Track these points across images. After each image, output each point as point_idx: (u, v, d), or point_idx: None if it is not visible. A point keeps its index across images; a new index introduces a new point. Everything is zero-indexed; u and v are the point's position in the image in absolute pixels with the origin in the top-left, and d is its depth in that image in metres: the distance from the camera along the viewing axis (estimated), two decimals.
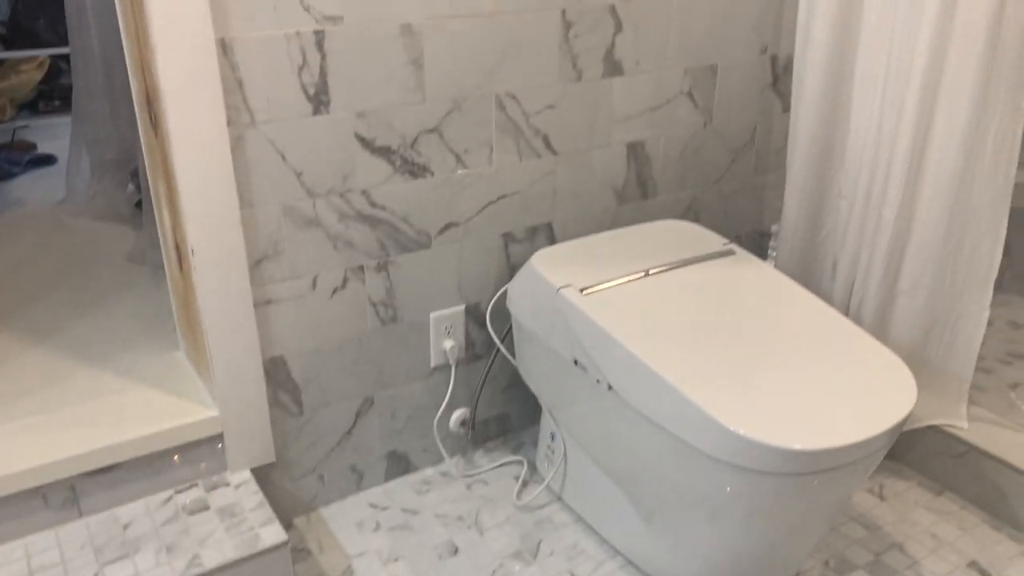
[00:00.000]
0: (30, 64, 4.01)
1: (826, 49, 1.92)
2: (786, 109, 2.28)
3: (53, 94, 4.10)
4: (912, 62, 1.73)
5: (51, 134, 3.82)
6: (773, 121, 2.31)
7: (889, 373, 1.48)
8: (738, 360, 1.49)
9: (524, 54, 1.83)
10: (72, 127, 2.80)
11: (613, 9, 1.91)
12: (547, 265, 1.77)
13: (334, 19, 1.59)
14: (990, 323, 1.85)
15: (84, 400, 1.73)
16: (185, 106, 1.48)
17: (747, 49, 2.16)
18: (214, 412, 1.69)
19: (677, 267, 1.77)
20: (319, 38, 1.59)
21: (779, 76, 2.25)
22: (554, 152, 1.96)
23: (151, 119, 1.62)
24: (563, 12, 1.84)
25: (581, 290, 1.66)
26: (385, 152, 1.74)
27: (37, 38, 3.95)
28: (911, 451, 2.03)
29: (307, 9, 1.56)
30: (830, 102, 1.95)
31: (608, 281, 1.70)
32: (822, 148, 2.00)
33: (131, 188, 2.89)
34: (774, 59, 2.22)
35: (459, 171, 1.84)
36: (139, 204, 2.83)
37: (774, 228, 2.26)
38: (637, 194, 2.15)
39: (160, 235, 1.80)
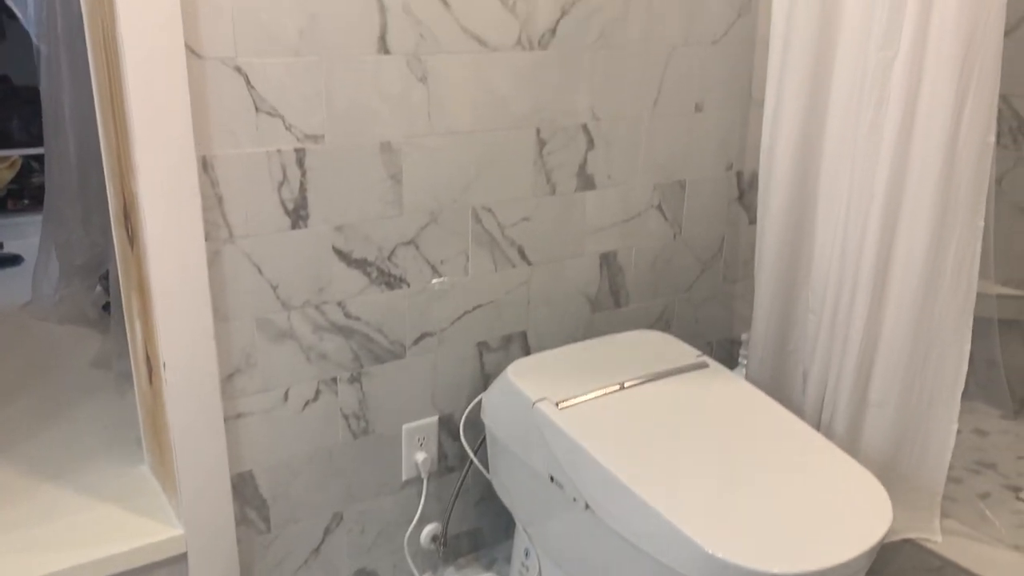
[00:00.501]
0: (2, 164, 4.02)
1: (790, 170, 1.99)
2: (752, 221, 2.35)
3: (23, 193, 4.09)
4: (873, 185, 1.80)
5: (19, 233, 3.79)
6: (740, 233, 2.37)
7: (864, 492, 1.48)
8: (715, 479, 1.48)
9: (500, 169, 1.87)
10: (42, 229, 2.79)
11: (585, 128, 1.97)
12: (522, 377, 1.77)
13: (315, 138, 1.63)
14: (957, 431, 1.87)
15: (43, 521, 1.67)
16: (164, 222, 1.49)
17: (714, 165, 2.23)
18: (179, 531, 1.64)
19: (652, 380, 1.78)
20: (300, 155, 1.62)
21: (745, 191, 2.32)
22: (529, 262, 1.99)
23: (128, 232, 1.62)
24: (538, 131, 1.90)
25: (557, 404, 1.66)
26: (362, 264, 1.75)
27: (10, 138, 3.96)
28: (888, 566, 2.01)
29: (289, 128, 1.59)
30: (795, 220, 2.01)
31: (584, 394, 1.70)
32: (788, 263, 2.05)
33: (99, 289, 2.86)
34: (739, 175, 2.30)
35: (435, 281, 1.85)
36: (106, 306, 2.80)
37: (744, 337, 2.29)
38: (610, 303, 2.17)
39: (130, 347, 1.78)
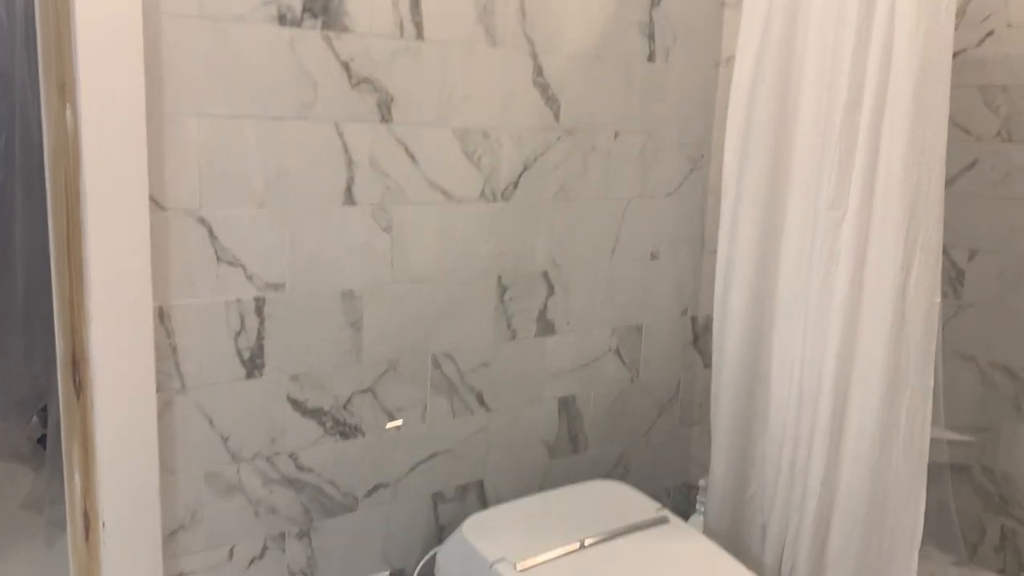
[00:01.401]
0: None
1: (743, 318, 2.03)
2: (707, 365, 2.37)
3: None
4: (826, 339, 1.84)
5: None
6: (696, 377, 2.39)
7: None
8: None
9: (461, 316, 1.87)
10: None
11: (546, 275, 1.99)
12: (479, 534, 1.71)
13: (276, 287, 1.61)
14: None
15: None
16: (115, 373, 1.44)
17: (669, 310, 2.27)
18: None
19: (613, 537, 1.74)
20: (259, 304, 1.60)
21: (699, 334, 2.36)
22: (487, 408, 1.97)
23: (75, 380, 1.56)
24: (499, 278, 1.92)
25: (516, 565, 1.60)
26: (316, 414, 1.71)
27: None
28: None
29: (250, 278, 1.58)
30: (749, 368, 2.03)
31: (544, 553, 1.65)
32: (745, 412, 2.06)
33: (35, 421, 2.74)
34: (694, 319, 2.34)
35: (390, 425, 1.81)
36: (42, 439, 2.67)
37: (702, 482, 2.27)
38: (568, 448, 2.14)
39: (67, 498, 1.68)
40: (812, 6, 1.86)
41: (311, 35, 1.58)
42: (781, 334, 1.97)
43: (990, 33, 2.33)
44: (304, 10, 1.56)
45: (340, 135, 1.64)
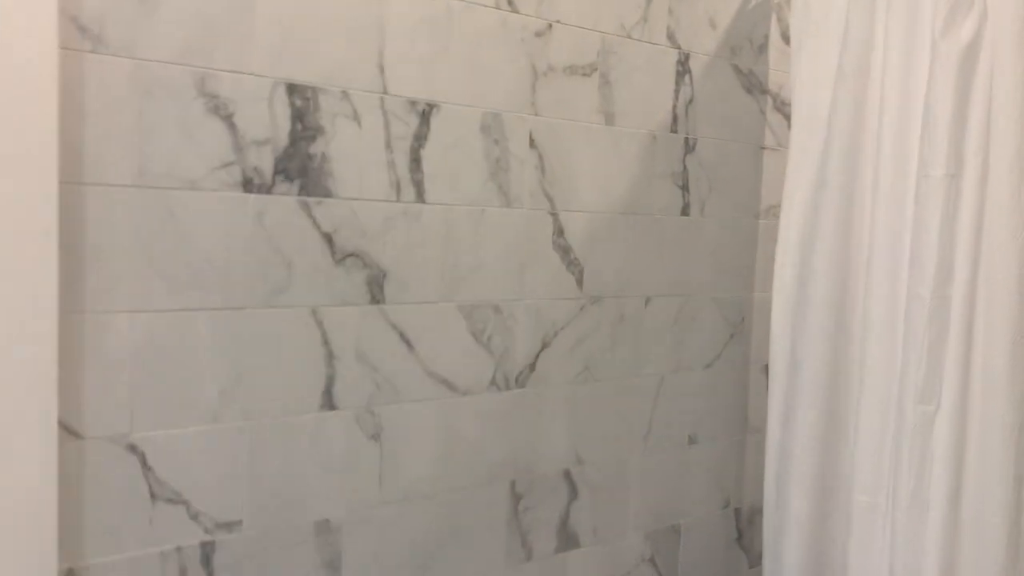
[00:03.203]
0: None
1: (807, 522, 1.67)
2: (753, 565, 1.99)
3: None
4: (921, 561, 1.48)
5: None
6: None
7: None
8: None
9: (466, 537, 1.49)
10: None
11: (567, 474, 1.63)
12: None
13: (230, 526, 1.23)
14: None
15: None
16: None
17: (709, 504, 1.90)
18: None
19: None
20: (207, 551, 1.21)
21: (743, 530, 1.98)
22: None
23: None
24: (512, 484, 1.55)
25: None
26: None
27: None
28: None
29: (195, 517, 1.20)
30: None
31: None
32: None
33: None
34: (737, 511, 1.96)
35: None
36: None
37: None
38: None
39: None
40: (883, 142, 1.57)
41: (285, 203, 1.25)
42: (859, 545, 1.61)
43: None
44: (276, 172, 1.23)
45: (319, 323, 1.29)
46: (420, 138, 1.37)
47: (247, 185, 1.21)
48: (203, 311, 1.19)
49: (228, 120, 1.19)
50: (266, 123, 1.22)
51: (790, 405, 1.74)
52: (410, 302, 1.39)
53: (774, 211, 1.91)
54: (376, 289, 1.35)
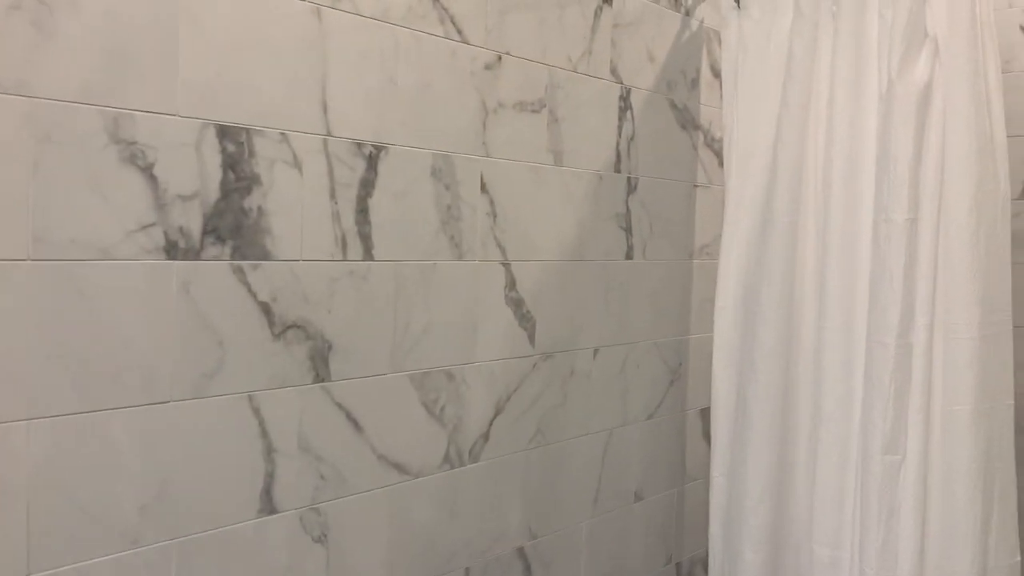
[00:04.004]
0: None
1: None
2: None
3: None
4: None
5: None
6: None
7: None
8: None
9: None
10: None
11: (521, 552, 1.47)
12: None
13: None
14: None
15: None
16: None
17: (654, 560, 1.79)
18: None
19: None
20: None
21: None
22: None
23: None
24: (467, 572, 1.37)
25: None
26: None
27: None
28: None
29: None
30: None
31: None
32: None
33: None
34: (679, 566, 1.87)
35: None
36: None
37: None
38: None
39: None
40: (831, 181, 1.52)
41: (216, 269, 1.02)
42: None
43: None
44: (206, 232, 1.01)
45: (256, 412, 1.07)
46: (367, 185, 1.18)
47: (171, 250, 0.98)
48: (120, 411, 0.95)
49: (147, 172, 0.95)
50: (193, 173, 0.99)
51: (737, 454, 1.67)
52: (357, 376, 1.19)
53: (706, 251, 1.84)
54: (320, 364, 1.14)
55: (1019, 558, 1.45)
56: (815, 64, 1.56)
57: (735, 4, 1.68)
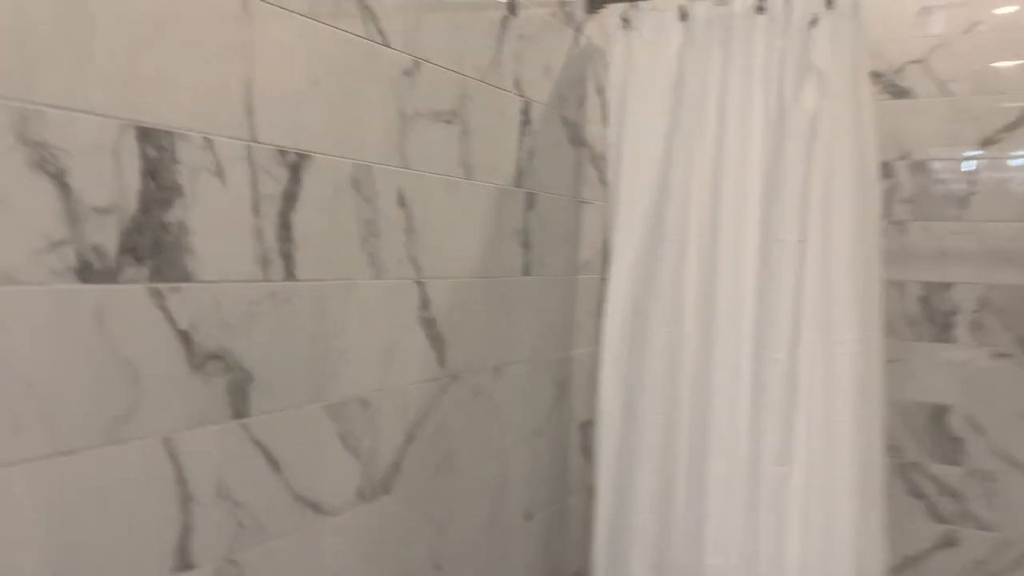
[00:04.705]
0: None
1: None
2: None
3: None
4: None
5: None
6: None
7: None
8: None
9: None
10: None
11: None
12: None
13: None
14: None
15: None
16: None
17: None
18: None
19: None
20: None
21: None
22: None
23: None
24: None
25: None
26: None
27: None
28: None
29: None
30: None
31: None
32: None
33: None
34: None
35: None
36: None
37: None
38: None
39: None
40: (721, 202, 1.57)
41: (133, 294, 0.88)
42: None
43: None
44: (123, 251, 0.86)
45: (173, 456, 0.93)
46: (290, 198, 1.07)
47: (84, 273, 0.83)
48: (20, 465, 0.78)
49: (59, 179, 0.80)
50: (110, 182, 0.84)
51: (625, 469, 1.69)
52: (276, 410, 1.07)
53: (588, 266, 1.85)
54: (239, 399, 1.01)
55: (888, 557, 1.57)
56: (705, 88, 1.61)
57: (622, 24, 1.69)
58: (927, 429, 2.11)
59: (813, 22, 1.50)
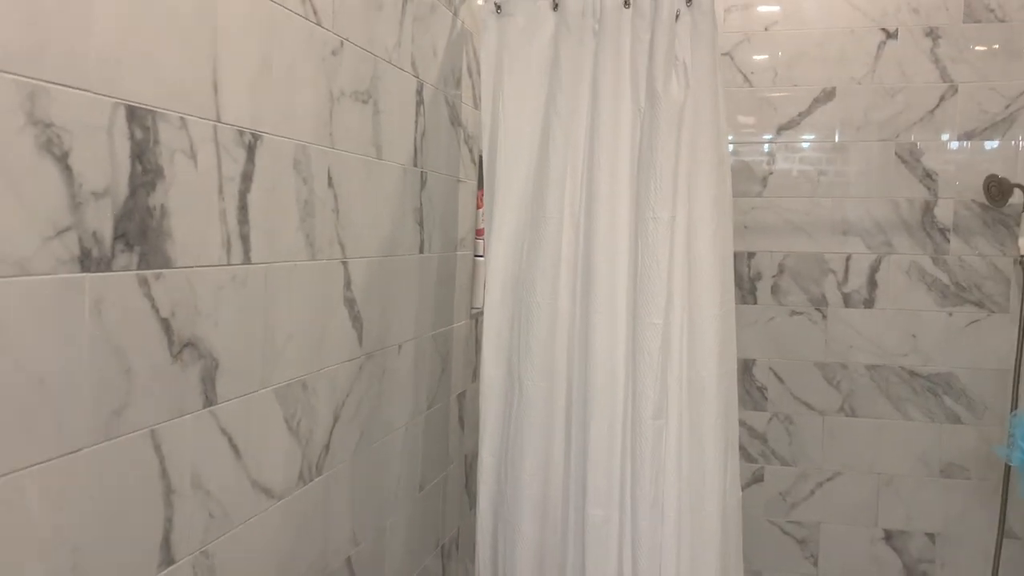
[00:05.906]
0: None
1: (533, 543, 1.75)
2: None
3: None
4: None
5: None
6: None
7: None
8: None
9: None
10: None
11: (349, 562, 1.41)
12: None
13: None
14: None
15: None
16: None
17: (427, 550, 1.83)
18: None
19: None
20: None
21: (447, 566, 1.96)
22: None
23: None
24: None
25: None
26: None
27: None
28: None
29: None
30: None
31: None
32: None
33: None
34: (443, 549, 1.94)
35: None
36: None
37: None
38: None
39: None
40: (597, 181, 1.70)
41: (124, 282, 0.83)
42: (595, 558, 1.74)
43: None
44: (116, 237, 0.82)
45: (158, 449, 0.90)
46: (247, 179, 1.04)
47: (85, 261, 0.78)
48: (30, 470, 0.73)
49: (63, 162, 0.74)
50: (106, 164, 0.80)
51: (510, 434, 1.78)
52: (239, 396, 1.05)
53: (463, 243, 1.91)
54: (209, 386, 0.99)
55: (740, 493, 1.80)
56: (580, 73, 1.72)
57: (495, 9, 1.76)
58: (740, 381, 2.41)
59: (677, 17, 1.66)
